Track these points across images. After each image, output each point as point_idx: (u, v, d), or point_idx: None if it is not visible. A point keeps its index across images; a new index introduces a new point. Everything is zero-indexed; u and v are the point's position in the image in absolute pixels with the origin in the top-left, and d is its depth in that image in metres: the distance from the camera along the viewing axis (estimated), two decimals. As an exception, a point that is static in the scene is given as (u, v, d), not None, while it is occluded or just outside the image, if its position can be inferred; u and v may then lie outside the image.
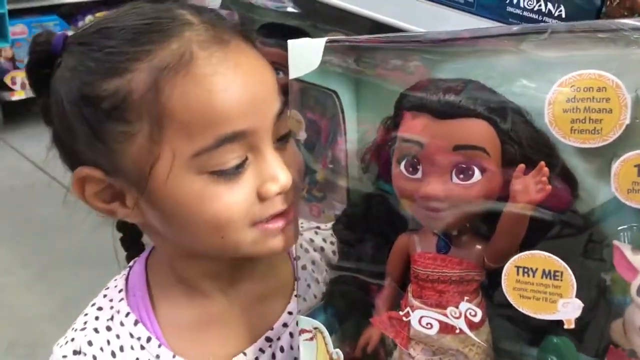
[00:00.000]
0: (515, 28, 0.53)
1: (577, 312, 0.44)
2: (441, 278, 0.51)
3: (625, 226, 0.48)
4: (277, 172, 0.54)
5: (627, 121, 0.45)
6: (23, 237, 2.46)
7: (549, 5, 0.58)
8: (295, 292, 0.62)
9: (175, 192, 0.52)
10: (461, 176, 0.48)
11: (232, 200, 0.52)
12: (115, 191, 0.56)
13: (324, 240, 0.68)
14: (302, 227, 0.67)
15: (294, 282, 0.64)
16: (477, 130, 0.47)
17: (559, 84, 0.46)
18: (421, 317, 0.49)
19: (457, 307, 0.48)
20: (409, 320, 0.50)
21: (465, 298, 0.48)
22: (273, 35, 0.78)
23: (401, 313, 0.50)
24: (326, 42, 0.50)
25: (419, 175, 0.50)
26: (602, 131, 0.45)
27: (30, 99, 3.31)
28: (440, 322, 0.49)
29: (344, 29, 0.67)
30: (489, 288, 0.50)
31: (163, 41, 0.51)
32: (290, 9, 0.57)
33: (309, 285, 0.62)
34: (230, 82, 0.51)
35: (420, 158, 0.49)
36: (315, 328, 0.54)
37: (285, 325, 0.63)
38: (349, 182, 0.60)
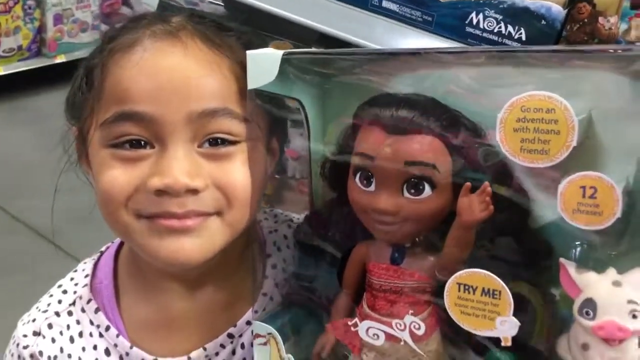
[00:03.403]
0: (476, 48, 0.54)
1: (514, 331, 0.45)
2: (393, 288, 0.52)
3: (575, 243, 0.49)
4: (169, 169, 0.53)
5: (574, 143, 0.45)
6: None
7: (509, 28, 0.58)
8: (262, 290, 0.63)
9: (92, 161, 0.58)
10: (412, 191, 0.49)
11: (117, 177, 0.54)
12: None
13: None
14: (276, 221, 0.68)
15: (262, 282, 0.64)
16: (428, 147, 0.48)
17: (510, 103, 0.47)
18: (368, 328, 0.50)
19: (402, 320, 0.49)
20: (357, 330, 0.51)
21: (410, 311, 0.49)
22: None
23: (349, 323, 0.51)
24: (283, 54, 0.50)
25: (372, 188, 0.50)
26: (550, 152, 0.46)
27: None
28: (386, 333, 0.50)
29: (290, 39, 0.67)
30: (440, 297, 0.52)
31: (130, 31, 0.58)
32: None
33: (276, 285, 0.63)
34: (146, 67, 0.55)
35: (373, 171, 0.50)
36: (269, 333, 0.55)
37: (249, 323, 0.63)
38: (312, 188, 0.61)
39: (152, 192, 0.53)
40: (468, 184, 0.46)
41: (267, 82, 0.51)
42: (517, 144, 0.47)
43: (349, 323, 0.51)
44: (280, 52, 0.50)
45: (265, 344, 0.54)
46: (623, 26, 0.63)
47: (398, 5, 0.61)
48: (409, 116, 0.48)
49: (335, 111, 0.58)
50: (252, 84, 0.52)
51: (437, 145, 0.48)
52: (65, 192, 0.59)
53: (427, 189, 0.48)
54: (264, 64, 0.51)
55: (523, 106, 0.46)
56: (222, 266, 0.62)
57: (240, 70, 0.57)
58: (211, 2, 0.85)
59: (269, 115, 0.58)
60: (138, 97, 0.54)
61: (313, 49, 0.52)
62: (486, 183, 0.45)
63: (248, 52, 0.51)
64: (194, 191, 0.54)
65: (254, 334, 0.55)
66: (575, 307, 0.47)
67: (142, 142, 0.54)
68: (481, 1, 0.58)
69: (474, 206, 0.46)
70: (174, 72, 0.54)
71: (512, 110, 0.47)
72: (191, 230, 0.54)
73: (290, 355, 0.54)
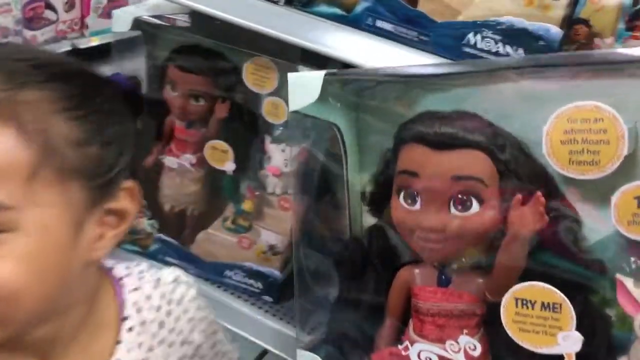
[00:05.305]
0: (513, 61, 0.54)
1: (578, 346, 0.43)
2: (442, 312, 0.50)
3: (628, 259, 0.48)
4: None
5: (625, 152, 0.44)
6: None
7: (507, 48, 0.57)
8: (115, 356, 0.55)
9: None
10: (459, 207, 0.48)
11: None
12: None
13: (163, 296, 0.59)
14: (140, 278, 0.59)
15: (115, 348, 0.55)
16: (475, 161, 0.47)
17: (556, 115, 0.46)
18: (420, 351, 0.48)
19: (456, 341, 0.47)
20: (408, 355, 0.49)
21: (465, 331, 0.47)
22: (189, 59, 0.75)
23: (400, 347, 0.49)
24: (325, 75, 0.51)
25: (417, 206, 0.49)
26: (600, 162, 0.45)
27: None
28: (439, 356, 0.48)
29: (271, 56, 0.65)
30: (490, 323, 0.50)
31: None
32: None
33: (128, 350, 0.55)
34: None
35: (418, 189, 0.49)
36: (314, 362, 0.53)
37: None
38: (351, 215, 0.60)
39: None
40: (519, 196, 0.45)
41: (309, 104, 0.51)
42: (565, 156, 0.46)
43: (399, 347, 0.49)
44: (322, 73, 0.50)
45: (311, 373, 0.52)
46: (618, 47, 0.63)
47: (393, 26, 0.60)
48: (453, 131, 0.48)
49: (370, 136, 0.58)
50: (293, 106, 0.52)
51: (484, 159, 0.47)
52: None
53: (475, 205, 0.47)
54: (306, 84, 0.51)
55: (569, 117, 0.46)
56: (65, 331, 0.53)
57: (24, 138, 0.45)
58: (184, 21, 0.81)
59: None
60: None
61: (351, 70, 0.52)
62: (538, 193, 0.44)
63: (289, 74, 0.51)
64: None
65: (298, 364, 0.53)
66: (637, 323, 0.45)
67: None
68: (479, 22, 0.57)
69: (528, 218, 0.45)
70: None
71: (558, 122, 0.46)
72: None
73: (336, 385, 0.52)
